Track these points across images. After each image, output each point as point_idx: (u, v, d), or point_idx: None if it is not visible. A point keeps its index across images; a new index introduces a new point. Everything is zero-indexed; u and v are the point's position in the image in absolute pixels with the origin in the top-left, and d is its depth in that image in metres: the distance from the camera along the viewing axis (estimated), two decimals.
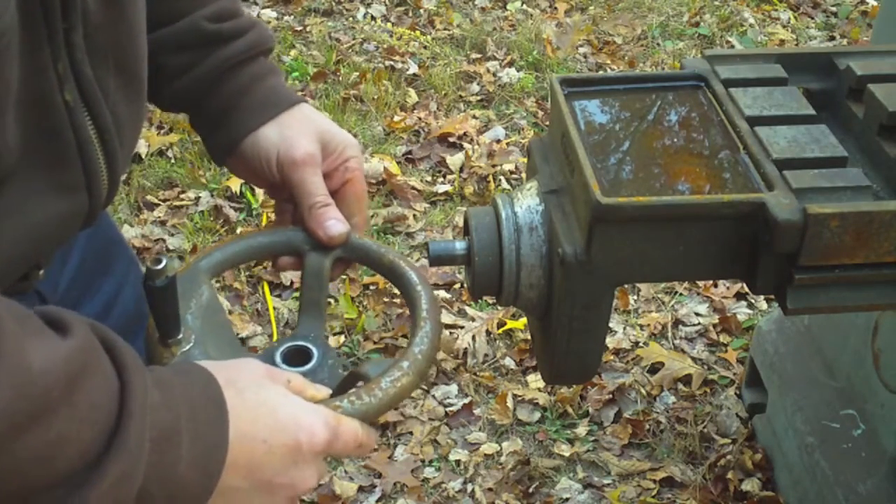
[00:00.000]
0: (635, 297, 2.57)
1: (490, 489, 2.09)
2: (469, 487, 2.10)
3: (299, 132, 0.97)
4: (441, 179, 2.97)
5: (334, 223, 0.95)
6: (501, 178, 2.95)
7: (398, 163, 3.02)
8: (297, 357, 0.91)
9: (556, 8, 3.94)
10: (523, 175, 2.91)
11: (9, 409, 0.58)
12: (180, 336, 0.84)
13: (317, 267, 0.96)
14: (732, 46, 3.63)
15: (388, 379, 0.83)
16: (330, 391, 0.83)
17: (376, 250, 0.96)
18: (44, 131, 0.76)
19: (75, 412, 0.63)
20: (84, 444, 0.64)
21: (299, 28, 3.71)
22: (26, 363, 0.59)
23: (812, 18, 3.89)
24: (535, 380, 2.31)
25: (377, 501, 2.07)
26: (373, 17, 3.81)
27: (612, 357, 2.38)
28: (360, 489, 2.09)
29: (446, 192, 2.90)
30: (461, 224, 1.06)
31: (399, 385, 0.83)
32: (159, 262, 0.77)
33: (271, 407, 0.75)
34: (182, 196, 2.85)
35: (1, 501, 0.63)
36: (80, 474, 0.64)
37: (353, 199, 0.99)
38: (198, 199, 2.83)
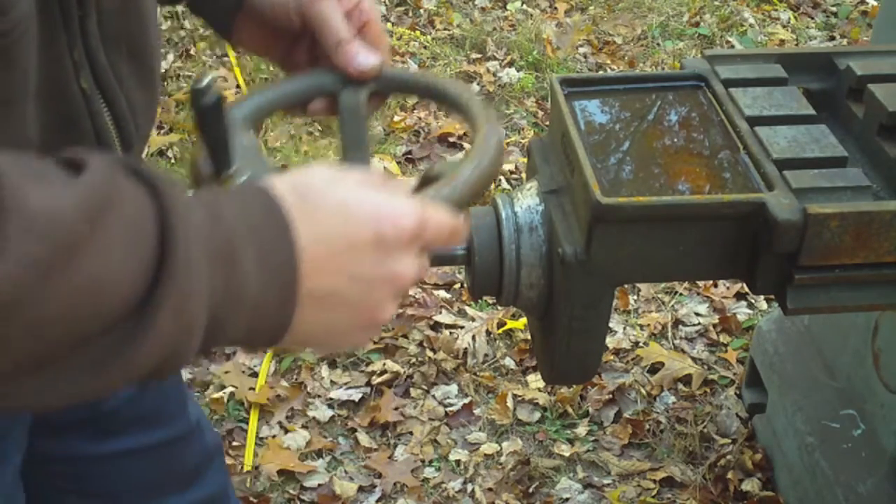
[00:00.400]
0: (635, 297, 2.57)
1: (490, 489, 2.09)
2: (469, 487, 2.10)
3: None
4: None
5: (365, 56, 0.90)
6: (501, 178, 2.95)
7: (398, 163, 3.02)
8: None
9: (556, 8, 3.93)
10: (523, 175, 2.91)
11: (24, 259, 0.54)
12: (233, 169, 0.76)
13: (352, 104, 0.91)
14: (732, 46, 3.63)
15: (469, 167, 0.78)
16: (411, 183, 0.78)
17: (411, 76, 0.93)
18: (61, 119, 0.76)
19: (104, 249, 0.58)
20: (131, 278, 0.59)
21: None
22: (31, 209, 0.55)
23: (812, 18, 3.89)
24: (535, 380, 2.31)
25: (377, 501, 2.07)
26: None
27: (612, 357, 2.38)
28: (360, 489, 2.09)
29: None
30: None
31: (480, 170, 0.78)
32: (201, 81, 0.70)
33: (345, 202, 0.69)
34: None
35: (57, 356, 0.59)
36: (136, 309, 0.59)
37: (373, 41, 0.93)
38: None
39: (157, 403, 1.16)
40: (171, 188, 0.62)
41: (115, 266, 0.58)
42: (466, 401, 2.28)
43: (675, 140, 1.04)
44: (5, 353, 0.57)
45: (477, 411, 2.26)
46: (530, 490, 2.08)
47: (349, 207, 0.69)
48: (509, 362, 2.38)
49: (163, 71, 3.40)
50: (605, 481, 2.11)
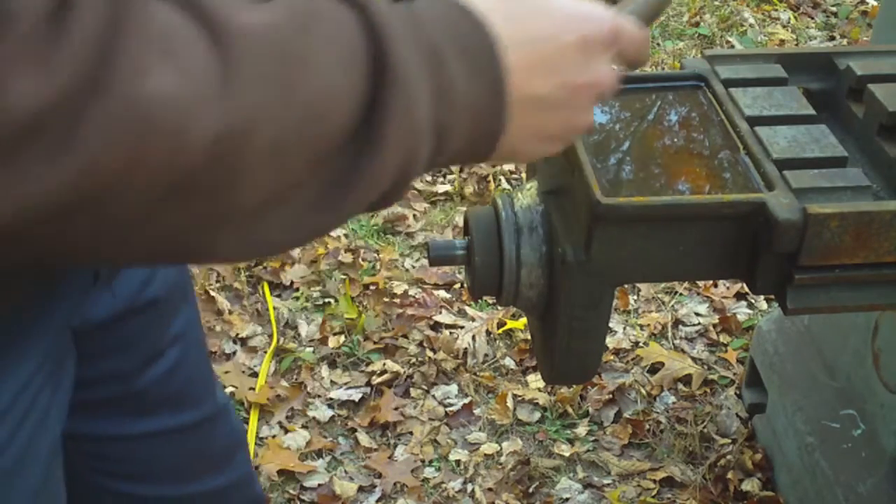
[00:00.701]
0: (635, 297, 2.57)
1: (490, 489, 2.09)
2: (469, 487, 2.10)
3: None
4: (441, 179, 2.97)
5: None
6: (501, 178, 2.95)
7: None
8: None
9: None
10: (523, 175, 2.91)
11: (256, 79, 0.53)
12: None
13: None
14: (732, 46, 3.63)
15: None
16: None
17: None
18: None
19: (323, 61, 0.56)
20: (351, 88, 0.57)
21: None
22: (244, 24, 0.54)
23: (812, 18, 3.89)
24: (535, 380, 2.31)
25: (377, 501, 2.08)
26: None
27: (612, 357, 2.38)
28: (360, 489, 2.09)
29: (446, 192, 2.90)
30: (461, 224, 1.06)
31: None
32: None
33: (547, 4, 0.70)
34: None
35: (296, 186, 0.57)
36: (362, 122, 0.58)
37: None
38: None
39: (185, 385, 1.16)
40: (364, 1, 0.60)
41: (335, 78, 0.57)
42: (466, 401, 2.28)
43: (675, 140, 1.04)
44: (247, 184, 0.55)
45: (477, 411, 2.27)
46: (530, 490, 2.08)
47: (552, 10, 0.69)
48: (509, 362, 2.38)
49: None
50: (605, 481, 2.11)
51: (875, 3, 3.89)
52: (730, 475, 2.06)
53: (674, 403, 2.27)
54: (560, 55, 0.69)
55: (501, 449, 2.18)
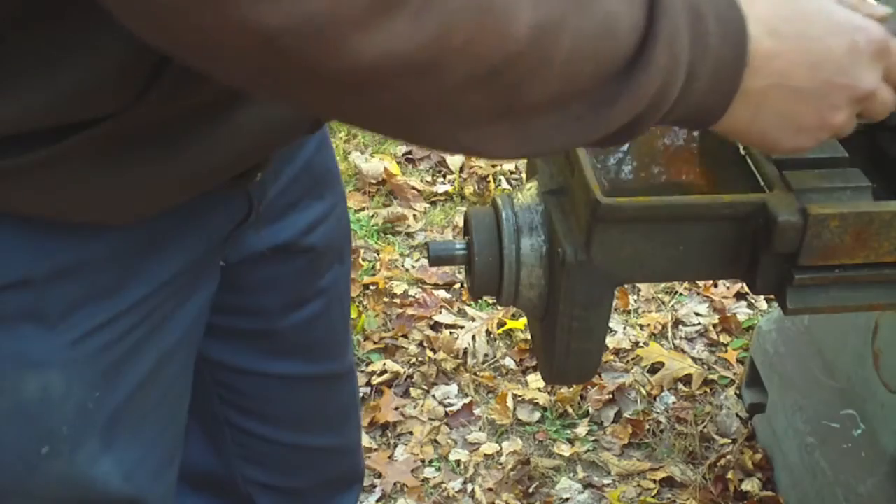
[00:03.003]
0: (635, 297, 2.57)
1: (490, 489, 2.09)
2: (469, 487, 2.10)
3: None
4: (441, 179, 2.97)
5: None
6: (501, 178, 2.95)
7: (398, 163, 3.02)
8: None
9: None
10: (523, 175, 2.91)
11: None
12: None
13: None
14: None
15: None
16: (890, 10, 0.81)
17: None
18: None
19: None
20: (632, 16, 0.63)
21: None
22: None
23: None
24: (535, 380, 2.31)
25: (377, 501, 2.08)
26: None
27: (612, 357, 2.38)
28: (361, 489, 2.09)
29: (446, 192, 2.90)
30: (461, 224, 1.06)
31: None
32: None
33: (824, 10, 0.75)
34: None
35: (577, 95, 0.63)
36: (636, 47, 0.63)
37: None
38: None
39: (322, 337, 1.20)
40: None
41: (622, 3, 0.62)
42: (466, 401, 2.28)
43: (675, 140, 1.04)
44: (542, 81, 0.61)
45: (477, 411, 2.27)
46: (530, 490, 2.08)
47: (824, 14, 0.75)
48: (509, 362, 2.38)
49: None
50: (605, 481, 2.11)
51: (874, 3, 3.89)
52: (730, 475, 2.06)
53: (674, 403, 2.27)
54: (825, 54, 0.74)
55: (501, 449, 2.18)
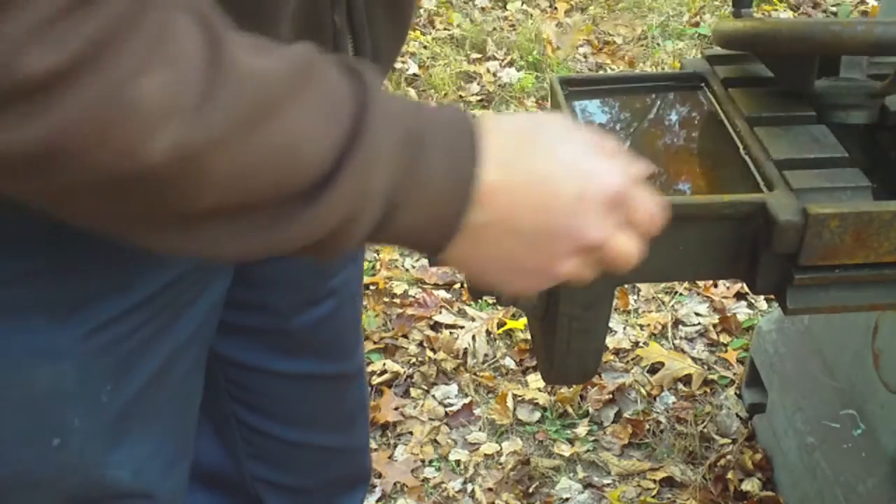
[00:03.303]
0: (635, 297, 2.57)
1: (490, 489, 2.09)
2: (469, 487, 2.10)
3: None
4: None
5: None
6: None
7: None
8: None
9: (556, 8, 3.94)
10: None
11: (229, 109, 0.59)
12: None
13: None
14: None
15: None
16: (651, 170, 0.77)
17: None
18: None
19: (304, 114, 0.62)
20: (325, 143, 0.62)
21: None
22: (243, 67, 0.60)
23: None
24: (535, 380, 2.31)
25: (377, 501, 2.08)
26: None
27: (612, 357, 2.38)
28: None
29: None
30: None
31: None
32: None
33: (560, 150, 0.71)
34: None
35: (249, 208, 0.63)
36: (325, 174, 0.62)
37: None
38: None
39: (333, 337, 1.20)
40: (371, 78, 0.65)
41: (311, 131, 0.62)
42: (466, 401, 2.28)
43: (675, 140, 1.04)
44: (204, 196, 0.61)
45: (477, 411, 2.27)
46: (530, 490, 2.08)
47: (561, 154, 0.71)
48: (509, 362, 2.38)
49: None
50: (605, 481, 2.11)
51: (875, 3, 3.89)
52: (730, 475, 2.06)
53: (674, 403, 2.27)
54: (552, 197, 0.70)
55: (501, 449, 2.18)
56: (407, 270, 2.64)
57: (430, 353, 2.38)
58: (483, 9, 3.92)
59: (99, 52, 0.54)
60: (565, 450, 2.17)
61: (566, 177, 0.70)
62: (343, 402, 1.28)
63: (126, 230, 0.65)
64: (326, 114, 0.63)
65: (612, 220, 0.73)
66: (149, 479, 0.96)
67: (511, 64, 3.55)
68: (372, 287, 2.55)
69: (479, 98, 3.37)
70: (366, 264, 2.62)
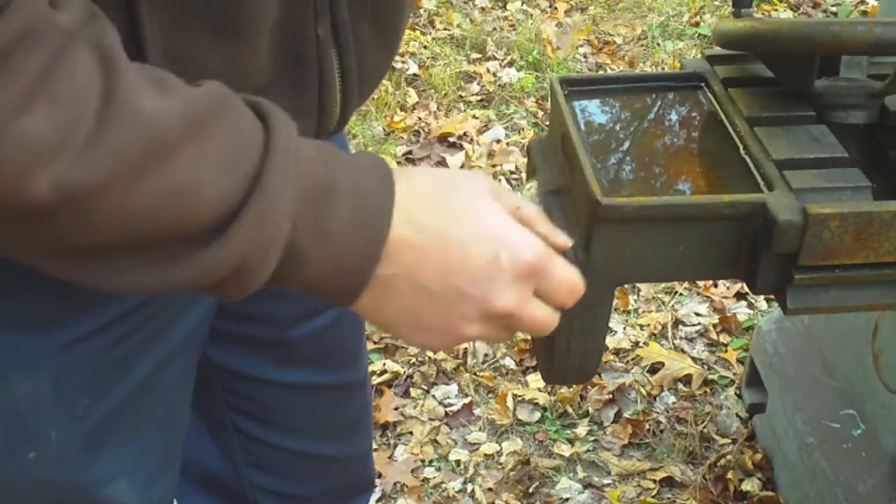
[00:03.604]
0: (635, 297, 2.57)
1: (490, 489, 2.09)
2: (469, 487, 2.10)
3: None
4: None
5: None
6: (501, 178, 2.95)
7: (398, 163, 3.02)
8: None
9: (556, 8, 3.94)
10: (523, 175, 2.91)
11: (118, 151, 0.58)
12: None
13: None
14: None
15: None
16: (571, 242, 0.77)
17: None
18: (292, 57, 0.79)
19: (205, 157, 0.61)
20: (222, 191, 0.62)
21: None
22: (137, 107, 0.59)
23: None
24: (535, 380, 2.31)
25: (377, 501, 2.07)
26: None
27: (612, 357, 2.38)
28: None
29: None
30: None
31: None
32: None
33: (476, 213, 0.71)
34: None
35: (136, 247, 0.63)
36: (220, 221, 0.62)
37: None
38: None
39: (335, 347, 1.19)
40: (281, 123, 0.65)
41: (206, 179, 0.61)
42: (466, 401, 2.28)
43: (675, 140, 1.04)
44: (92, 233, 0.61)
45: (477, 411, 2.27)
46: (530, 490, 2.08)
47: (476, 218, 0.71)
48: (509, 362, 2.38)
49: None
50: (605, 481, 2.11)
51: (875, 4, 3.89)
52: (730, 475, 2.06)
53: (674, 403, 2.27)
54: (462, 260, 0.70)
55: (501, 449, 2.18)
56: None
57: (430, 353, 2.38)
58: (483, 9, 3.92)
59: None
60: (565, 450, 2.17)
61: (478, 242, 0.70)
62: (345, 412, 1.26)
63: (28, 258, 0.65)
64: (226, 162, 0.62)
65: (524, 289, 0.73)
66: (131, 491, 0.95)
67: (511, 64, 3.55)
68: None
69: (479, 98, 3.37)
70: None
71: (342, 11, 0.81)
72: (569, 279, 0.76)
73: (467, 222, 0.70)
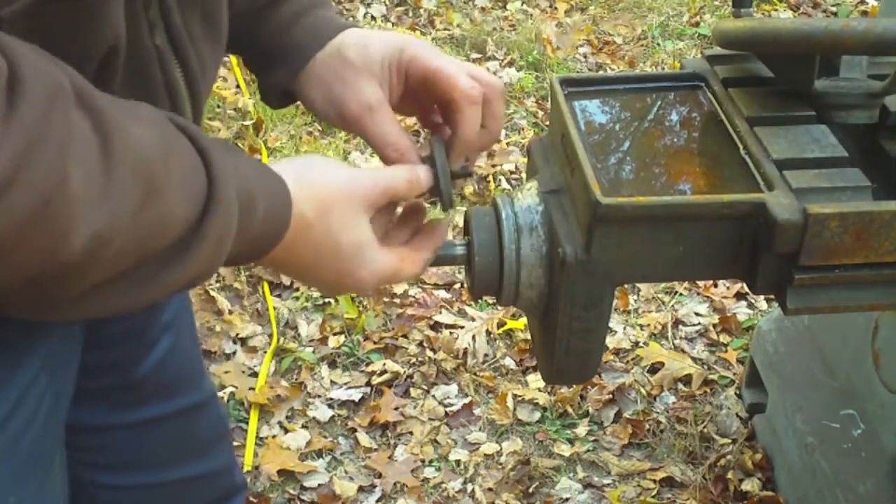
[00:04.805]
0: (635, 297, 2.57)
1: (490, 489, 2.09)
2: (469, 487, 2.10)
3: (344, 82, 0.94)
4: None
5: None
6: (501, 178, 2.95)
7: None
8: None
9: (556, 8, 3.94)
10: (523, 175, 2.91)
11: (126, 193, 0.62)
12: None
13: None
14: None
15: None
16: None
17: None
18: (135, 74, 0.80)
19: (175, 186, 0.66)
20: (186, 213, 0.67)
21: None
22: (134, 149, 0.63)
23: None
24: (535, 380, 2.31)
25: (377, 501, 2.07)
26: (373, 17, 3.81)
27: (612, 357, 2.38)
28: (360, 489, 2.09)
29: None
30: (461, 224, 1.06)
31: None
32: None
33: (339, 244, 0.82)
34: None
35: (117, 277, 0.66)
36: (184, 239, 0.68)
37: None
38: None
39: (178, 371, 1.20)
40: (210, 146, 0.71)
41: (178, 204, 0.67)
42: (466, 401, 2.28)
43: (675, 140, 1.04)
44: (89, 277, 0.64)
45: (477, 411, 2.26)
46: (530, 490, 2.08)
47: (340, 252, 0.83)
48: (509, 362, 2.38)
49: None
50: (605, 481, 2.11)
51: (875, 4, 3.89)
52: (730, 475, 2.06)
53: (674, 403, 2.27)
54: (316, 276, 0.86)
55: (501, 449, 2.18)
56: None
57: (430, 353, 2.38)
58: (483, 9, 3.92)
59: (19, 164, 0.56)
60: (565, 450, 2.17)
61: (330, 266, 0.84)
62: (199, 431, 1.27)
63: (15, 311, 0.68)
64: (185, 186, 0.67)
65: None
66: None
67: (511, 64, 3.55)
68: None
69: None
70: None
71: (175, 17, 0.81)
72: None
73: (330, 249, 0.83)
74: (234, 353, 2.40)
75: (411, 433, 2.22)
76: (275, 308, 2.49)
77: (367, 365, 2.37)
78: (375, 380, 2.32)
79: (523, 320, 2.40)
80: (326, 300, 2.51)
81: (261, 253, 0.78)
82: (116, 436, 1.18)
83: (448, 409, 2.27)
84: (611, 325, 2.43)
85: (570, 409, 2.26)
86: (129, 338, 1.12)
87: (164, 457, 1.24)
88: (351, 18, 3.78)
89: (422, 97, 0.95)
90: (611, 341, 2.41)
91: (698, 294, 2.57)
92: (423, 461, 2.16)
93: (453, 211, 0.82)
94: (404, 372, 2.34)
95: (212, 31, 0.88)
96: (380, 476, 2.12)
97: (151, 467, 1.23)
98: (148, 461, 1.22)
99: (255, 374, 2.34)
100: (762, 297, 2.50)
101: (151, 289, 0.68)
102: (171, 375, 1.19)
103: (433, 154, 0.91)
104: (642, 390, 2.29)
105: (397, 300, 2.52)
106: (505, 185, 2.93)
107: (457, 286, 2.58)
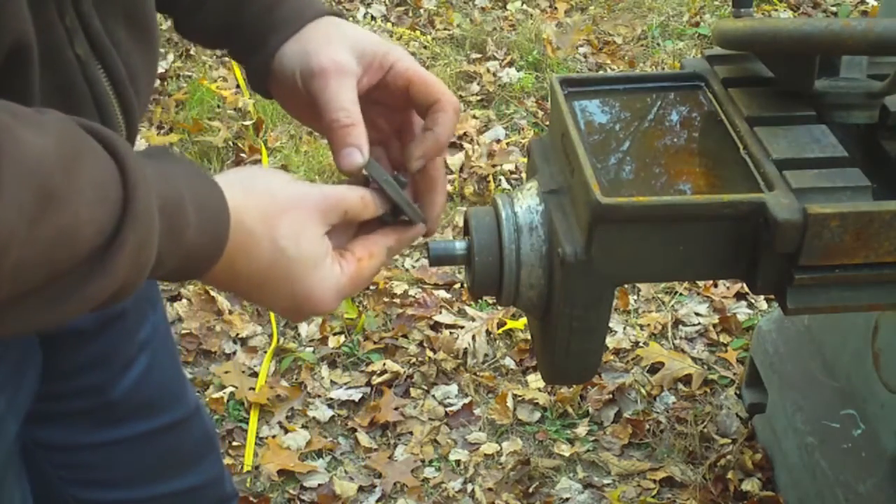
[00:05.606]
0: (635, 297, 2.57)
1: (490, 489, 2.09)
2: (469, 487, 2.10)
3: (322, 42, 0.89)
4: None
5: (350, 151, 0.86)
6: (501, 178, 2.95)
7: None
8: None
9: (556, 8, 3.94)
10: (523, 175, 2.91)
11: (16, 201, 0.58)
12: None
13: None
14: None
15: None
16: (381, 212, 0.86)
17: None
18: (59, 87, 0.77)
19: (81, 194, 0.62)
20: (99, 223, 0.63)
21: None
22: (24, 154, 0.59)
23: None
24: (535, 380, 2.31)
25: (377, 501, 2.08)
26: (373, 17, 3.81)
27: (612, 357, 2.38)
28: (360, 489, 2.09)
29: (446, 192, 2.90)
30: (461, 224, 1.05)
31: None
32: None
33: (288, 267, 0.77)
34: None
35: (30, 292, 0.63)
36: (100, 250, 0.64)
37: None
38: None
39: (157, 390, 1.18)
40: (125, 150, 0.66)
41: (87, 213, 0.62)
42: (466, 401, 2.28)
43: (675, 140, 1.04)
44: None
45: (477, 411, 2.27)
46: (530, 490, 2.08)
47: (290, 276, 0.77)
48: (509, 362, 2.38)
49: (162, 71, 3.40)
50: (605, 481, 2.11)
51: (875, 3, 3.89)
52: (730, 475, 2.06)
53: (674, 403, 2.27)
54: (271, 297, 0.79)
55: (501, 449, 2.18)
56: (407, 270, 2.64)
57: (430, 353, 2.38)
58: (483, 9, 3.92)
59: None
60: (565, 450, 2.17)
61: (280, 300, 0.79)
62: (185, 445, 1.25)
63: None
64: (96, 194, 0.63)
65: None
66: None
67: (511, 64, 3.55)
68: (372, 287, 2.55)
69: (479, 98, 3.37)
70: None
71: (95, 24, 0.78)
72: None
73: (278, 266, 0.77)
74: (234, 353, 2.40)
75: (411, 433, 2.22)
76: None
77: (367, 365, 2.37)
78: (375, 380, 2.32)
79: (523, 320, 2.40)
80: None
81: (201, 267, 0.73)
82: (96, 454, 1.16)
83: (448, 409, 2.27)
84: (611, 325, 2.43)
85: (570, 409, 2.26)
86: (98, 363, 1.10)
87: (149, 473, 1.22)
88: (351, 19, 3.78)
89: (392, 99, 0.94)
90: (611, 341, 2.41)
91: (698, 294, 2.57)
92: (423, 461, 2.16)
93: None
94: (404, 372, 2.34)
95: (139, 34, 0.84)
96: (380, 476, 2.12)
97: (136, 483, 1.21)
98: (131, 478, 1.20)
99: (255, 374, 2.34)
100: (762, 297, 2.50)
101: (73, 302, 0.64)
102: (151, 394, 1.17)
103: (371, 174, 0.87)
104: (642, 390, 2.29)
105: (397, 300, 2.52)
106: (505, 185, 2.93)
107: (457, 286, 2.58)
